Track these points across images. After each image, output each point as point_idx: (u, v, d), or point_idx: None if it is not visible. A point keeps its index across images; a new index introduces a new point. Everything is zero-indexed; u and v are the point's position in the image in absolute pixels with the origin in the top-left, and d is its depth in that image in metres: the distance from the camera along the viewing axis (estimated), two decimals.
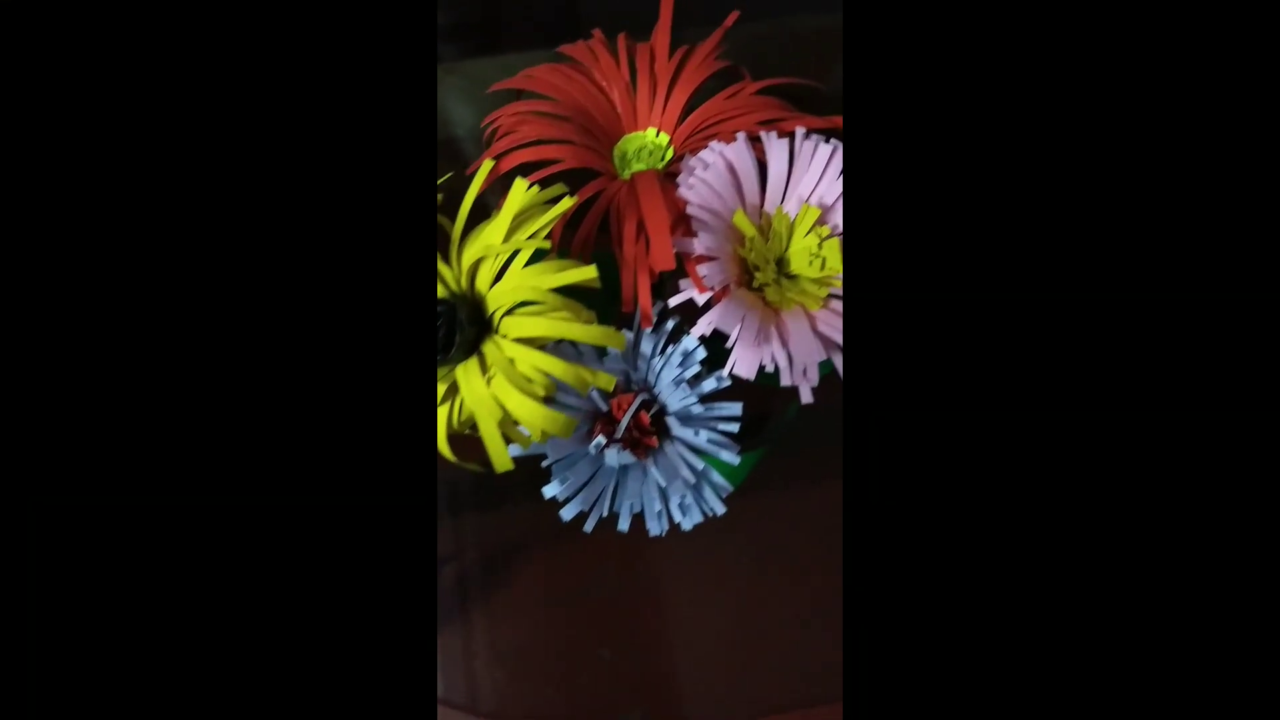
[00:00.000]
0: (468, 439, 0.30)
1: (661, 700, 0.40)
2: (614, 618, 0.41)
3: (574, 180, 0.32)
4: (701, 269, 0.29)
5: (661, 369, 0.32)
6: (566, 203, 0.28)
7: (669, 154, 0.33)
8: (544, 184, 0.30)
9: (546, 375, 0.27)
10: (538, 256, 0.28)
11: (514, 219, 0.27)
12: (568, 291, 0.28)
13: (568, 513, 0.32)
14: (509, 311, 0.28)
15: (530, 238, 0.27)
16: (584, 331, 0.27)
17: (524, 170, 0.32)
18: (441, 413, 0.28)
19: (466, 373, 0.28)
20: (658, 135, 0.34)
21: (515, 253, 0.27)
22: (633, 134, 0.34)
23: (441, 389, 0.28)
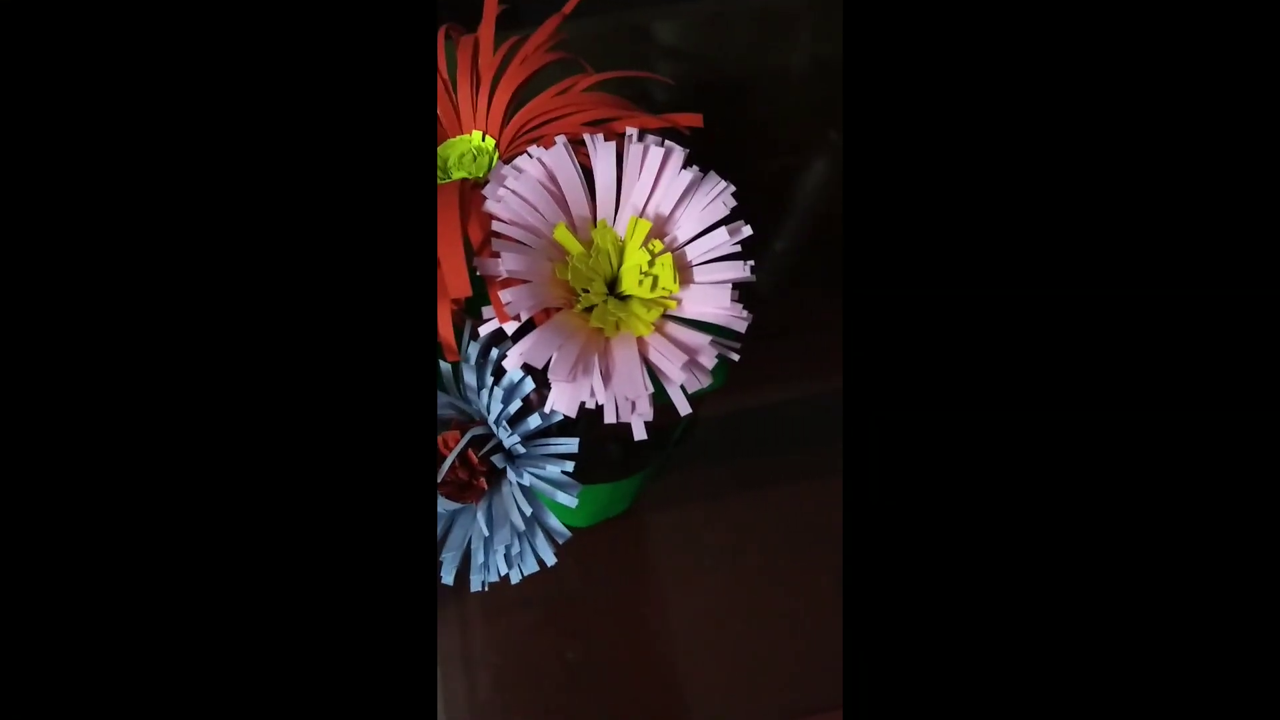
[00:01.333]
0: None
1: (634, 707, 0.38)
2: (582, 620, 0.39)
3: None
4: (505, 294, 0.25)
5: (489, 403, 0.29)
6: None
7: (495, 159, 0.30)
8: None
9: None
10: None
11: None
12: None
13: None
14: None
15: None
16: None
17: None
18: None
19: None
20: (483, 139, 0.30)
21: None
22: (455, 138, 0.30)
23: None
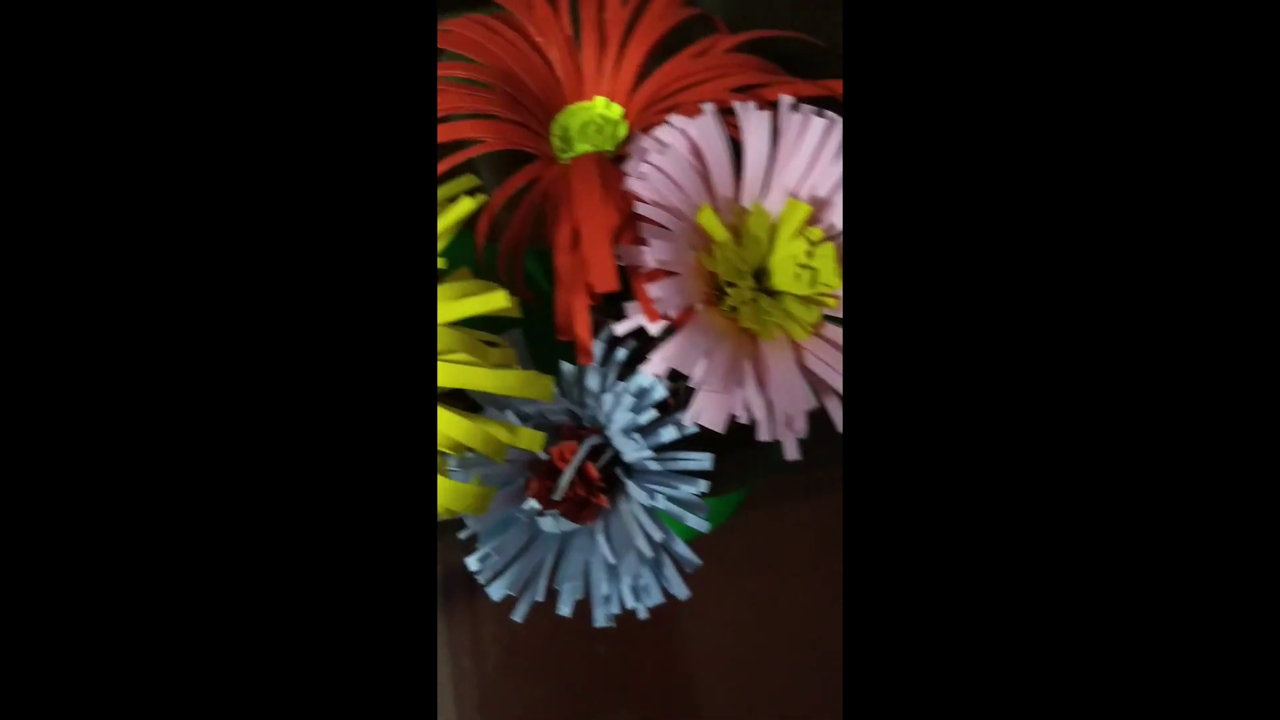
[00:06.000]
0: None
1: (654, 703, 0.38)
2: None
3: (504, 166, 0.25)
4: (654, 289, 0.22)
5: (613, 410, 0.25)
6: (467, 205, 0.21)
7: (623, 130, 0.26)
8: (453, 174, 0.23)
9: (446, 437, 0.20)
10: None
11: None
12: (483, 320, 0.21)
13: (495, 592, 0.25)
14: None
15: None
16: (493, 380, 0.20)
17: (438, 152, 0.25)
18: None
19: None
20: (609, 106, 0.26)
21: None
22: (577, 105, 0.26)
23: None
